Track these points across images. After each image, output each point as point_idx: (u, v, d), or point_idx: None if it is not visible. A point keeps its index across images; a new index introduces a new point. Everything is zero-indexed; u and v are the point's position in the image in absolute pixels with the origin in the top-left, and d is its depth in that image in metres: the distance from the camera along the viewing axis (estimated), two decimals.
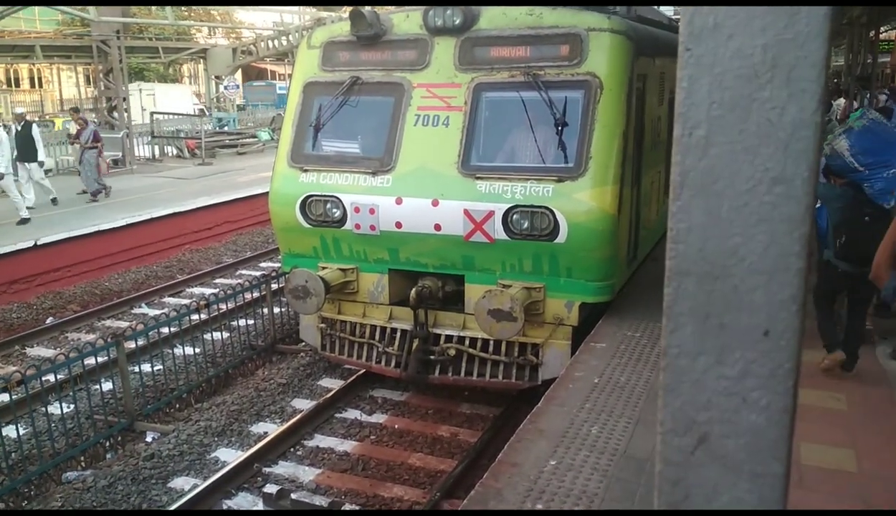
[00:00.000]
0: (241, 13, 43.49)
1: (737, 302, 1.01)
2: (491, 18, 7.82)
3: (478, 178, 7.54)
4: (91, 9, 21.46)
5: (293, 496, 7.04)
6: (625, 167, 7.55)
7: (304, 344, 9.78)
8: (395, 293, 8.41)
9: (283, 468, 7.65)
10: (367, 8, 8.12)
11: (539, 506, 4.78)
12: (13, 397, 7.84)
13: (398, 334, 8.38)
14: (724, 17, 0.97)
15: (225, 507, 7.05)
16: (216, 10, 38.11)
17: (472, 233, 7.59)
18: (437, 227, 7.67)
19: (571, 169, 7.34)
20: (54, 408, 8.38)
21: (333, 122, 8.35)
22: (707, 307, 1.02)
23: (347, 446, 8.05)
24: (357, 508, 6.96)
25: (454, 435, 8.18)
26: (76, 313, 12.67)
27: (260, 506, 7.03)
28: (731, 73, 0.98)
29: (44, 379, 8.00)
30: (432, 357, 8.20)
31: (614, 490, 4.95)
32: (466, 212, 7.52)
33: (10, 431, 7.97)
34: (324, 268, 8.43)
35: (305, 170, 8.29)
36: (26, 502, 7.34)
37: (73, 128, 19.31)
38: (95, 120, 22.97)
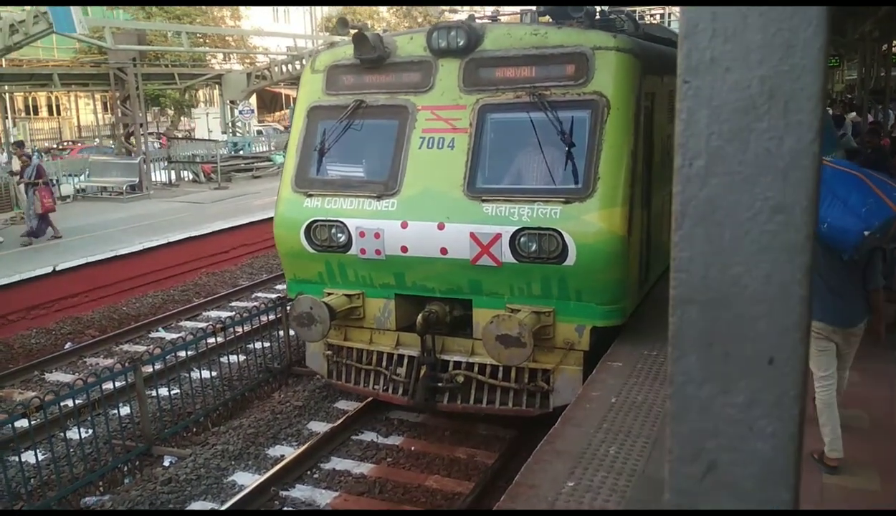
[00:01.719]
0: (256, 39, 44.06)
1: (740, 330, 1.02)
2: (495, 39, 7.75)
3: (484, 201, 7.44)
4: (108, 37, 21.81)
5: None
6: (634, 187, 7.42)
7: None
8: (402, 318, 8.29)
9: (300, 491, 7.64)
10: (371, 31, 8.20)
11: None
12: (32, 423, 7.90)
13: (405, 361, 8.24)
14: (721, 51, 0.98)
15: None
16: (231, 37, 38.63)
17: (478, 257, 7.47)
18: (444, 251, 7.55)
19: (579, 190, 7.23)
20: (73, 434, 8.44)
21: (338, 145, 8.29)
22: (711, 335, 1.03)
23: (364, 468, 8.04)
24: None
25: (471, 457, 8.14)
26: (94, 338, 12.78)
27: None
28: (729, 104, 0.99)
29: (62, 404, 8.06)
30: (440, 384, 8.05)
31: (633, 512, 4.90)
32: (473, 235, 7.41)
33: (29, 457, 8.03)
34: (329, 293, 8.33)
35: (310, 195, 8.21)
36: None
37: (16, 163, 17.20)
38: (38, 153, 22.32)
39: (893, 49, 21.70)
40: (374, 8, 62.92)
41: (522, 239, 7.28)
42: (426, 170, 7.71)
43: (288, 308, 10.83)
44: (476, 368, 7.97)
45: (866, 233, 5.04)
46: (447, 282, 7.82)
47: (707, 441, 1.04)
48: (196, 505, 7.51)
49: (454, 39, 7.75)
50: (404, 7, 64.66)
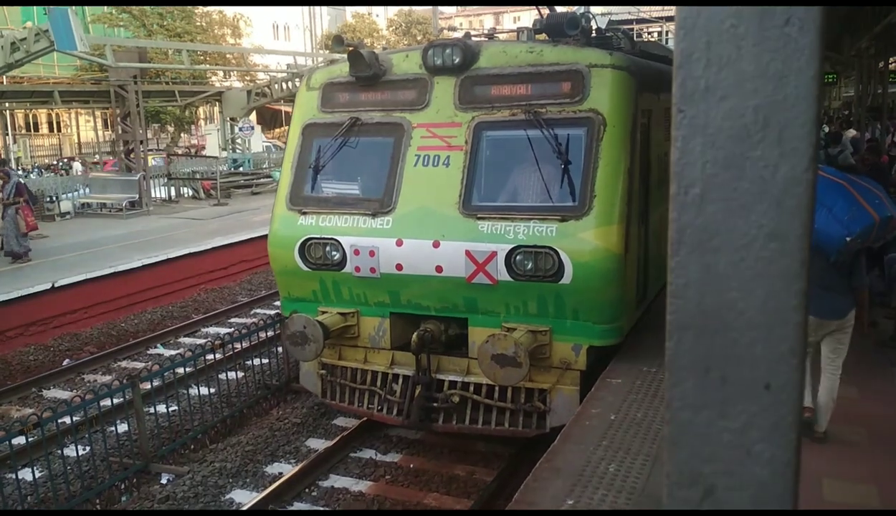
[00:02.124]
0: (256, 56, 44.28)
1: (737, 355, 1.02)
2: (490, 57, 7.77)
3: (479, 218, 7.41)
4: (109, 55, 21.93)
5: None
6: (630, 205, 7.40)
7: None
8: (397, 337, 8.23)
9: (300, 502, 7.61)
10: (366, 49, 8.16)
11: None
12: (29, 440, 7.86)
13: (400, 380, 8.17)
14: (715, 80, 0.99)
15: None
16: (231, 54, 38.81)
17: (474, 275, 7.42)
18: (439, 269, 7.51)
19: (575, 208, 7.21)
20: (70, 451, 8.40)
21: (333, 163, 8.27)
22: (708, 361, 1.04)
23: (362, 486, 8.00)
24: None
25: (470, 474, 8.11)
26: (92, 354, 12.75)
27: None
28: (723, 133, 1.00)
29: (60, 421, 8.03)
30: (435, 404, 7.97)
31: None
32: (468, 253, 7.37)
33: (26, 474, 7.99)
34: (324, 312, 8.28)
35: (304, 213, 8.18)
36: None
37: None
38: (21, 172, 22.22)
39: (890, 66, 21.84)
40: (373, 26, 63.27)
41: (518, 257, 7.25)
42: (421, 188, 7.70)
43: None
44: (472, 388, 7.90)
45: (848, 239, 5.61)
46: (442, 300, 7.78)
47: (704, 465, 1.05)
48: None
49: (449, 57, 7.77)
50: (403, 25, 65.02)
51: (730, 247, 1.01)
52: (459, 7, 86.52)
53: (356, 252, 7.83)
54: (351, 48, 8.10)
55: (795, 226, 0.97)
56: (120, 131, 24.79)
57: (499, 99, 7.63)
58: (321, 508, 7.09)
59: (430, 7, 43.24)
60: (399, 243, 7.62)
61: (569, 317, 7.41)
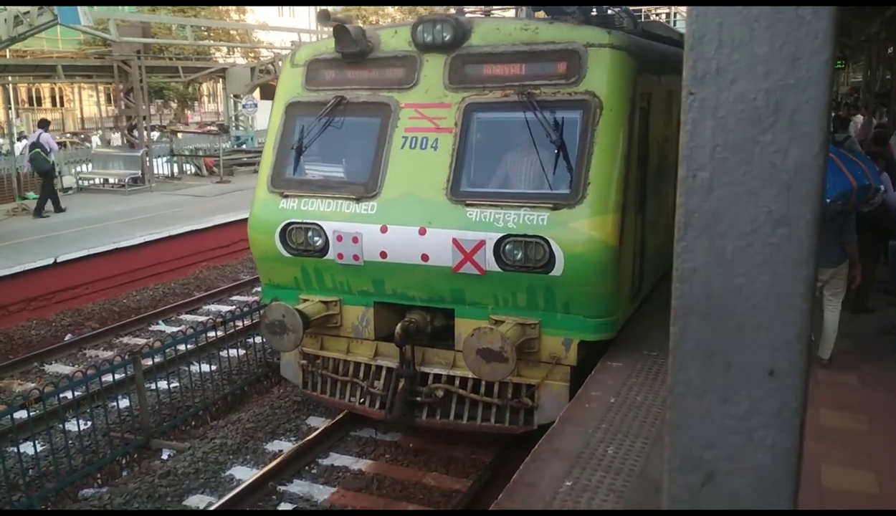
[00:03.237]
0: (260, 33, 44.01)
1: (742, 341, 1.02)
2: (483, 34, 7.40)
3: (468, 205, 7.09)
4: (112, 29, 21.79)
5: None
6: (627, 193, 7.08)
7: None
8: (381, 328, 7.94)
9: (297, 487, 7.65)
10: (353, 25, 7.82)
11: None
12: (31, 414, 7.91)
13: (383, 372, 7.90)
14: (727, 62, 0.98)
15: None
16: (235, 31, 38.57)
17: (461, 264, 7.12)
18: (425, 258, 7.20)
19: (568, 196, 6.90)
20: (71, 425, 8.45)
21: (316, 144, 7.94)
22: (712, 346, 1.03)
23: (362, 464, 8.05)
24: None
25: (469, 454, 8.15)
26: (94, 330, 12.79)
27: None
28: (734, 116, 0.99)
29: (61, 395, 8.07)
30: (419, 398, 7.68)
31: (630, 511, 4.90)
32: (455, 241, 7.06)
33: (27, 448, 8.04)
34: (305, 300, 8.00)
35: (286, 196, 7.84)
36: None
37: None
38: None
39: None
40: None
41: (507, 246, 6.96)
42: (408, 172, 7.37)
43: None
44: (457, 382, 7.62)
45: (827, 200, 6.16)
46: (428, 290, 7.49)
47: (706, 451, 1.05)
48: (194, 499, 7.52)
49: (440, 34, 7.40)
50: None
51: (737, 232, 1.00)
52: None
53: (339, 238, 7.53)
54: (336, 23, 7.71)
55: (805, 211, 0.96)
56: (123, 107, 24.70)
57: (491, 79, 7.28)
58: (318, 509, 7.10)
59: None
60: (384, 230, 7.32)
61: (559, 311, 7.14)
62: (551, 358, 7.26)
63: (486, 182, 7.37)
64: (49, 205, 18.32)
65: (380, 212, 7.37)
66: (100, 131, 36.79)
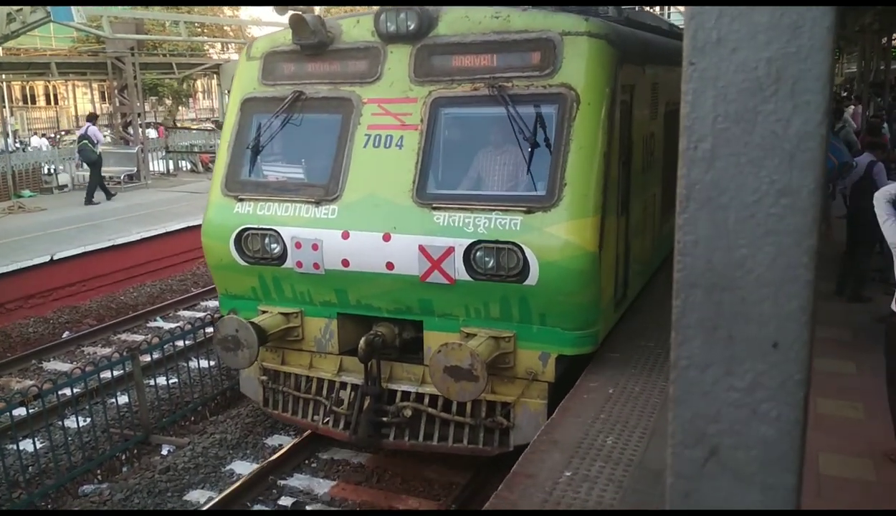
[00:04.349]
0: (254, 29, 43.86)
1: (745, 313, 1.01)
2: (451, 23, 6.87)
3: (435, 209, 6.59)
4: (106, 26, 21.69)
5: (307, 508, 7.05)
6: (607, 194, 6.58)
7: None
8: (346, 341, 7.40)
9: (298, 480, 7.66)
10: (310, 14, 7.31)
11: None
12: (30, 411, 7.90)
13: (348, 389, 7.38)
14: (727, 31, 0.97)
15: None
16: (228, 26, 38.45)
17: (428, 273, 6.61)
18: (390, 266, 6.70)
19: (543, 198, 6.41)
20: (71, 422, 8.44)
21: (273, 143, 7.46)
22: (715, 319, 1.03)
23: (362, 458, 8.06)
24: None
25: None
26: (92, 327, 12.78)
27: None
28: (735, 86, 0.98)
29: (60, 393, 8.06)
30: (385, 418, 7.16)
31: (629, 501, 4.92)
32: (422, 248, 6.56)
33: (27, 445, 8.04)
34: (264, 311, 7.47)
35: (241, 200, 7.30)
36: None
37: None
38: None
39: (893, 42, 21.68)
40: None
41: (478, 253, 6.46)
42: (371, 173, 6.87)
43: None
44: (427, 400, 7.07)
45: None
46: (395, 301, 6.98)
47: (710, 425, 1.04)
48: (194, 494, 7.53)
49: (404, 22, 6.87)
50: None
51: (740, 203, 1.00)
52: None
53: (297, 245, 7.00)
54: (293, 11, 7.19)
55: (808, 181, 0.95)
56: (117, 103, 24.63)
57: (460, 71, 6.77)
58: (319, 509, 7.10)
59: None
60: (345, 236, 6.80)
61: (535, 323, 6.65)
62: (527, 373, 6.76)
63: (454, 183, 6.92)
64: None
65: (341, 216, 6.86)
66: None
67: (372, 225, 6.72)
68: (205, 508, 7.01)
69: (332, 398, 7.43)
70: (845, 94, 27.44)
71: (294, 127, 7.35)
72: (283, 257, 7.14)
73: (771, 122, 0.97)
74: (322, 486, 7.55)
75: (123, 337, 12.34)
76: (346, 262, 6.85)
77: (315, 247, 6.92)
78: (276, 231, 7.12)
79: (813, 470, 5.28)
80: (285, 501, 7.24)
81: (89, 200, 19.19)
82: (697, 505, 1.06)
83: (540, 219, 6.34)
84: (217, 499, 7.12)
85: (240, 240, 7.29)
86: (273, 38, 7.69)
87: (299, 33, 7.13)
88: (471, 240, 6.45)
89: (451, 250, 6.50)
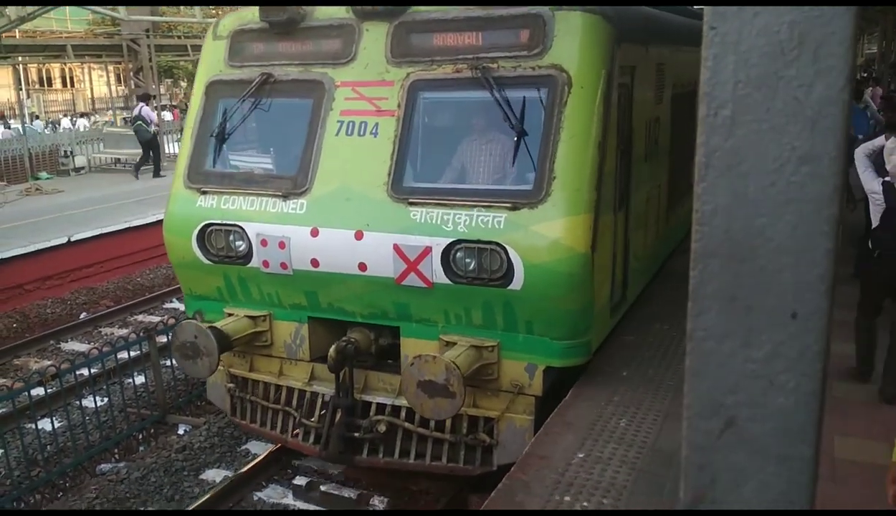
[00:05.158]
0: None
1: (764, 283, 1.00)
2: None
3: (412, 204, 6.02)
4: (121, 8, 21.76)
5: (322, 488, 7.11)
6: (602, 188, 5.97)
7: None
8: (318, 346, 6.81)
9: (312, 460, 7.71)
10: None
11: (567, 499, 4.78)
12: (48, 391, 8.00)
13: (319, 400, 6.82)
14: None
15: (255, 499, 7.14)
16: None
17: (404, 275, 6.05)
18: (363, 267, 6.15)
19: (529, 193, 5.81)
20: (88, 402, 8.55)
21: (239, 131, 6.90)
22: (733, 289, 1.01)
23: None
24: (383, 501, 7.00)
25: None
26: (109, 308, 12.90)
27: (290, 498, 7.11)
28: (756, 50, 0.96)
29: (78, 373, 8.15)
30: (357, 434, 6.55)
31: (642, 482, 4.93)
32: (397, 247, 6.00)
33: (45, 424, 8.15)
34: (230, 314, 6.93)
35: (204, 192, 6.76)
36: (61, 494, 7.49)
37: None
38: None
39: None
40: None
41: (458, 254, 5.91)
42: (343, 164, 6.29)
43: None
44: (403, 413, 6.46)
45: None
46: (369, 305, 6.42)
47: (726, 397, 1.03)
48: (210, 473, 7.61)
49: None
50: None
51: (760, 170, 0.98)
52: None
53: (263, 242, 6.46)
54: None
55: (830, 148, 0.94)
56: (133, 86, 24.72)
57: (441, 51, 6.16)
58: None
59: None
60: (314, 233, 6.25)
61: (521, 331, 6.07)
62: (513, 386, 6.19)
63: (433, 176, 6.40)
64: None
65: (310, 211, 6.31)
66: (109, 111, 36.86)
67: (343, 221, 6.18)
68: (209, 494, 7.07)
69: (302, 409, 6.89)
70: (864, 75, 27.09)
71: (262, 113, 6.82)
72: (248, 256, 6.62)
73: (793, 88, 0.95)
74: (336, 466, 7.60)
75: (140, 318, 12.45)
76: (315, 262, 6.32)
77: (282, 245, 6.39)
78: (240, 227, 6.59)
79: (828, 454, 5.25)
80: (300, 480, 7.30)
81: (157, 174, 20.35)
82: (712, 477, 1.05)
83: (526, 216, 5.76)
84: (232, 478, 7.20)
85: (203, 236, 6.78)
86: (241, 16, 7.04)
87: (266, 9, 6.62)
88: (450, 240, 5.89)
89: (428, 250, 5.95)
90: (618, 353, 6.95)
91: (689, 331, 1.06)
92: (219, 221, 6.67)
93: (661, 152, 8.27)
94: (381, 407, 6.60)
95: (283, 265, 6.45)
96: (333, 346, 6.35)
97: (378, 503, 6.98)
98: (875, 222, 6.35)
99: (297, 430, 6.93)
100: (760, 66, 0.97)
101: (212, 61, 7.07)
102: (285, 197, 6.41)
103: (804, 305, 0.98)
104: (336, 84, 6.47)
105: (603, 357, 6.84)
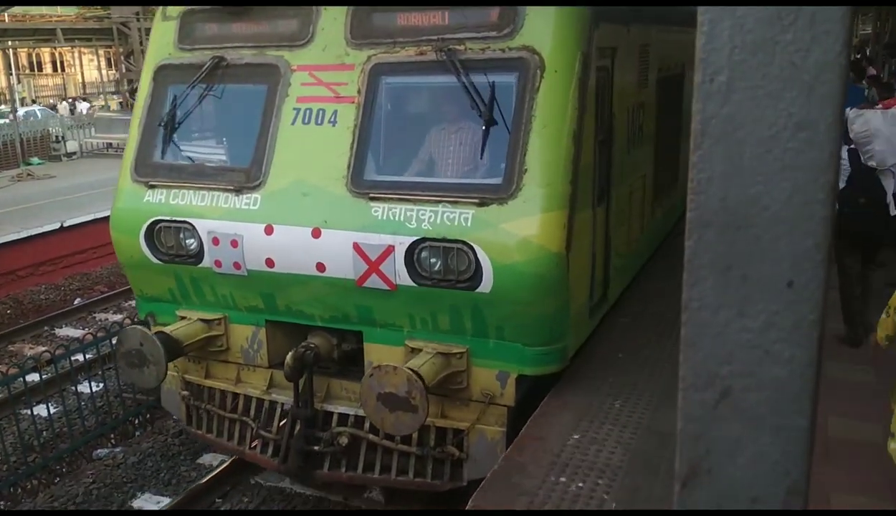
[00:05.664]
0: None
1: (759, 252, 1.00)
2: None
3: (372, 199, 5.61)
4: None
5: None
6: (578, 182, 5.54)
7: None
8: (277, 352, 6.44)
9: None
10: None
11: (562, 479, 4.81)
12: (43, 377, 7.99)
13: (278, 410, 6.43)
14: None
15: (252, 483, 7.16)
16: None
17: (366, 276, 5.64)
18: (321, 267, 5.75)
19: (499, 187, 5.38)
20: (84, 387, 8.54)
21: (190, 120, 6.45)
22: (729, 258, 1.01)
23: None
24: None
25: None
26: (103, 294, 12.89)
27: (287, 482, 7.13)
28: (752, 15, 0.95)
29: (73, 358, 8.14)
30: (317, 448, 6.19)
31: (637, 463, 4.96)
32: (357, 246, 5.59)
33: (41, 410, 8.14)
34: (183, 317, 6.54)
35: (152, 186, 6.32)
36: (58, 479, 7.50)
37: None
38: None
39: None
40: None
41: (422, 253, 5.51)
42: (299, 155, 5.88)
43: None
44: (367, 424, 6.03)
45: None
46: (330, 308, 6.04)
47: (721, 367, 1.03)
48: (207, 457, 7.63)
49: None
50: None
51: (756, 137, 0.97)
52: None
53: (215, 241, 6.05)
54: None
55: (826, 114, 0.93)
56: (124, 70, 24.55)
57: (405, 31, 5.70)
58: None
59: None
60: (269, 231, 5.85)
61: (492, 336, 5.69)
62: (483, 396, 5.82)
63: (396, 169, 5.99)
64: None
65: (264, 207, 5.90)
66: (101, 95, 36.64)
67: (299, 218, 5.78)
68: (206, 477, 7.10)
69: (260, 419, 6.51)
70: (858, 56, 27.05)
71: (214, 99, 6.36)
72: (200, 255, 6.21)
73: (789, 53, 0.94)
74: None
75: (134, 303, 12.42)
76: (270, 262, 5.92)
77: (234, 243, 5.98)
78: (191, 224, 6.17)
79: (821, 433, 5.29)
80: None
81: None
82: (707, 448, 1.05)
83: (495, 213, 5.35)
84: (228, 462, 7.22)
85: (152, 234, 6.35)
86: None
87: None
88: (413, 238, 5.49)
89: (390, 249, 5.54)
90: (613, 335, 6.98)
91: (684, 302, 1.06)
92: (168, 218, 6.26)
93: (645, 140, 7.87)
94: (343, 418, 6.22)
95: (237, 265, 6.05)
96: (290, 353, 6.01)
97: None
98: (842, 185, 6.96)
99: (256, 442, 6.57)
100: (756, 31, 0.95)
101: (160, 44, 6.58)
102: (238, 191, 6.00)
103: (800, 274, 0.97)
104: (292, 68, 6.03)
105: (598, 339, 6.85)
